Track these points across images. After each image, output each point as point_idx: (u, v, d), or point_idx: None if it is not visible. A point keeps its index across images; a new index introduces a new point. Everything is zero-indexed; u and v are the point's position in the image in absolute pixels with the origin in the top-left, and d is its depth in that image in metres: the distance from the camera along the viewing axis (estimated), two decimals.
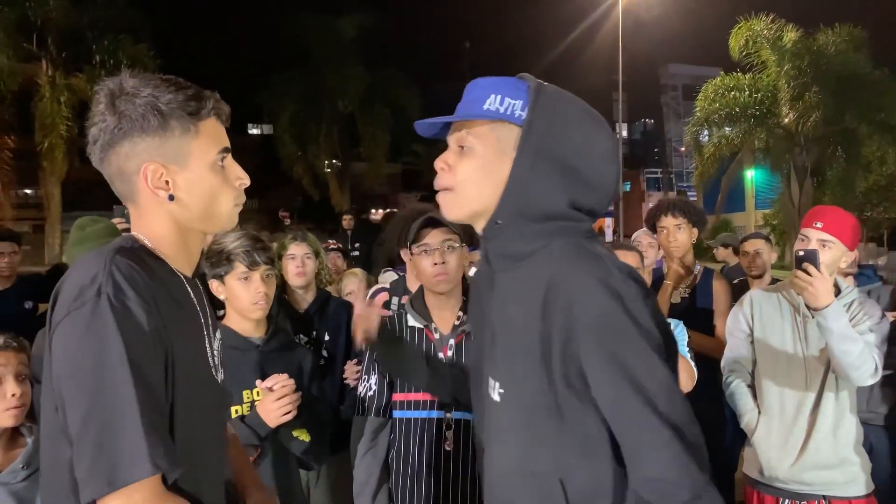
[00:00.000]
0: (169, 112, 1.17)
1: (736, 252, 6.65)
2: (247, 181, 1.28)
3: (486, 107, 1.22)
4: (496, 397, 1.30)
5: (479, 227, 1.30)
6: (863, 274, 3.80)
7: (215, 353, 1.31)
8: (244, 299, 2.09)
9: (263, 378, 2.06)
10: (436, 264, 2.18)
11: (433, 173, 1.31)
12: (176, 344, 1.14)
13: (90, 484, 1.01)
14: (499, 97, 1.22)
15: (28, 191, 26.69)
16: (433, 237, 2.23)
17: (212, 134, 1.22)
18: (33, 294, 4.09)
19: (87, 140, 1.21)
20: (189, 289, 1.26)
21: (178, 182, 1.20)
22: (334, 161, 24.75)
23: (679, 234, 3.33)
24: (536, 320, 1.18)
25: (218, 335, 1.36)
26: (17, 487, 1.75)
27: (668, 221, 3.35)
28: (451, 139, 1.28)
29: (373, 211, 24.25)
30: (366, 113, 23.04)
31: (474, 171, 1.24)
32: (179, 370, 1.15)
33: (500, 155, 1.23)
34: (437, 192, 1.30)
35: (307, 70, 22.89)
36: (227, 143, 1.25)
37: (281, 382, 2.00)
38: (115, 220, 2.74)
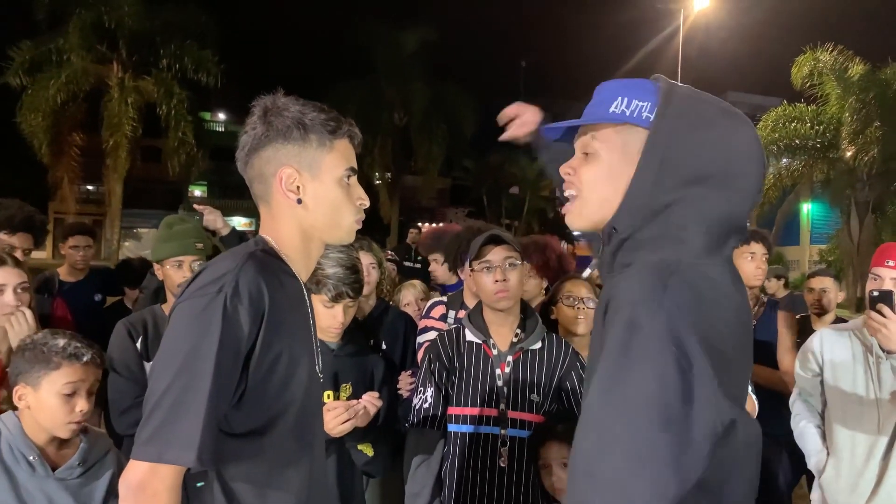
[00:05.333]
0: (311, 126, 1.33)
1: (786, 285, 6.50)
2: (367, 202, 1.41)
3: (612, 110, 1.15)
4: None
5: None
6: None
7: (318, 349, 1.45)
8: (322, 319, 2.10)
9: (336, 381, 2.11)
10: (497, 281, 2.20)
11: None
12: (286, 343, 1.26)
13: (147, 446, 1.12)
14: (626, 99, 1.15)
15: (89, 187, 27.58)
16: (495, 254, 2.25)
17: (343, 153, 1.37)
18: (103, 287, 4.22)
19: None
20: (305, 293, 1.39)
21: (308, 189, 1.34)
22: (387, 174, 24.97)
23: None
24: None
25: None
26: (73, 483, 1.82)
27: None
28: (577, 145, 1.23)
29: (420, 224, 24.33)
30: (422, 127, 23.17)
31: (598, 177, 1.17)
32: (288, 363, 1.26)
33: (626, 160, 1.14)
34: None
35: (367, 81, 23.16)
36: (355, 165, 1.38)
37: (340, 404, 2.00)
38: None
